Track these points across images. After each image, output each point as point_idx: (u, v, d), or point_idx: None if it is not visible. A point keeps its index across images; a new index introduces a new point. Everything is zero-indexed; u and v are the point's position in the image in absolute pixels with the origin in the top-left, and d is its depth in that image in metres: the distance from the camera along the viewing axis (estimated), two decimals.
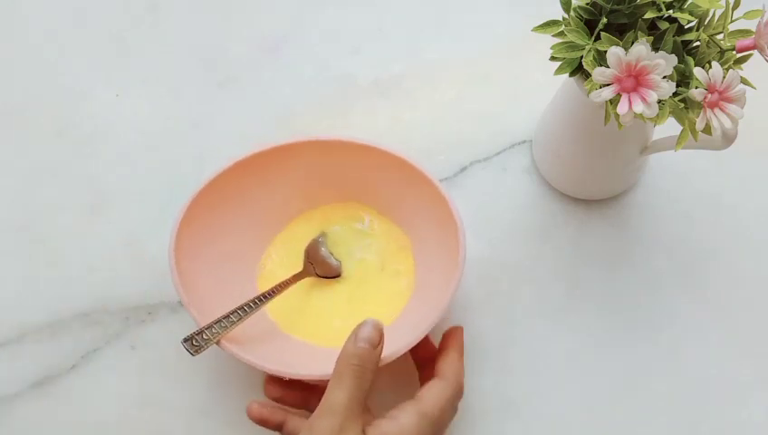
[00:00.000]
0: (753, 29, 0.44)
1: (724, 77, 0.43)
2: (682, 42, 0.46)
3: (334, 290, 0.56)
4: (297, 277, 0.55)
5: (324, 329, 0.55)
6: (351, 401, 0.44)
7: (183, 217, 0.52)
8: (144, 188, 0.61)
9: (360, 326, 0.47)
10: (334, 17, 0.67)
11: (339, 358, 0.46)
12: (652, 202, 0.61)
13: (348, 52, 0.66)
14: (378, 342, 0.47)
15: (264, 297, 0.52)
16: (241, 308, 0.51)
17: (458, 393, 0.50)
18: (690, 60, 0.45)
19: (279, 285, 0.54)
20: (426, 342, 0.53)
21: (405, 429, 0.45)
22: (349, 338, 0.47)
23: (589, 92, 0.44)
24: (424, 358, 0.53)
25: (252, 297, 0.52)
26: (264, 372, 0.49)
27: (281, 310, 0.55)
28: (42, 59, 0.65)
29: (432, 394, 0.48)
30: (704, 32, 0.46)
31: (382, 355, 0.49)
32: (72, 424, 0.54)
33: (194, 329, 0.49)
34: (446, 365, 0.50)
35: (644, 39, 0.43)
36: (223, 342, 0.50)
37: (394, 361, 0.50)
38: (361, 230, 0.58)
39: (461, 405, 0.54)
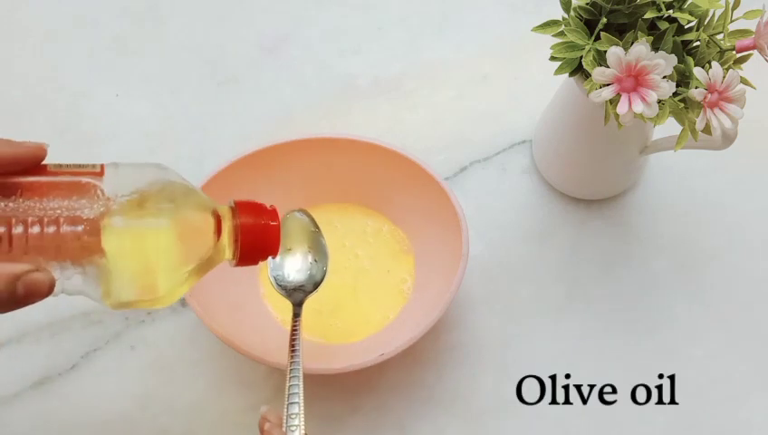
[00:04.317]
0: (753, 29, 0.44)
1: (724, 77, 0.43)
2: (682, 42, 0.46)
3: (336, 289, 0.56)
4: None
5: (325, 328, 0.55)
6: None
7: None
8: None
9: None
10: (334, 17, 0.67)
11: None
12: (652, 202, 0.61)
13: (348, 52, 0.66)
14: None
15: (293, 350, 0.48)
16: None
17: None
18: (690, 60, 0.45)
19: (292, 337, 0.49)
20: None
21: None
22: None
23: (589, 92, 0.44)
24: None
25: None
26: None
27: (284, 307, 0.55)
28: (42, 59, 0.65)
29: None
30: (704, 32, 0.46)
31: (384, 352, 0.49)
32: (72, 424, 0.54)
33: (195, 327, 0.49)
34: None
35: (644, 39, 0.43)
36: (225, 336, 0.50)
37: (394, 359, 0.50)
38: (363, 229, 0.58)
39: (461, 404, 0.54)
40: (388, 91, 0.64)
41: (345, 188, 0.58)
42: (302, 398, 0.45)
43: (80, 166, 0.37)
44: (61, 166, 0.37)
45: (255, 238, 0.41)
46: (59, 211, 0.35)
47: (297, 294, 0.50)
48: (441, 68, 0.65)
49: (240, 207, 0.42)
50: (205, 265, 0.40)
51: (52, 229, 0.35)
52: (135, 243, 0.37)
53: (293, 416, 0.44)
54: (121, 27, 0.67)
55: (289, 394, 0.45)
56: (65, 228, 0.35)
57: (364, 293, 0.57)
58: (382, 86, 0.64)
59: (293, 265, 0.51)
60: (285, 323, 0.55)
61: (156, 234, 0.37)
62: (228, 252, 0.41)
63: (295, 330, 0.48)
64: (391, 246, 0.58)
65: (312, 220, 0.52)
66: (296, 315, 0.49)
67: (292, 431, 0.44)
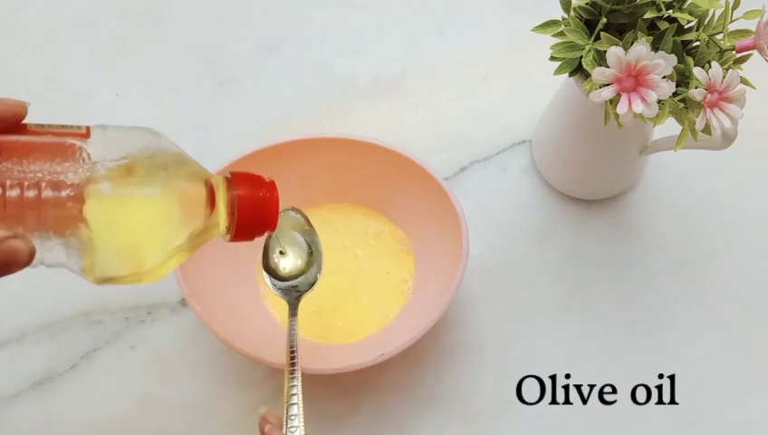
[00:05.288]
0: (753, 29, 0.44)
1: (723, 77, 0.43)
2: (682, 42, 0.46)
3: (335, 289, 0.56)
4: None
5: (325, 328, 0.55)
6: None
7: None
8: None
9: None
10: (334, 17, 0.67)
11: None
12: (652, 202, 0.61)
13: (348, 52, 0.66)
14: None
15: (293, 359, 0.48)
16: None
17: None
18: (690, 60, 0.45)
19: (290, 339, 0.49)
20: None
21: None
22: None
23: (589, 92, 0.44)
24: None
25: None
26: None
27: (283, 307, 0.55)
28: (42, 59, 0.65)
29: None
30: (704, 32, 0.46)
31: (384, 352, 0.49)
32: (72, 424, 0.54)
33: (195, 327, 0.49)
34: None
35: (644, 39, 0.43)
36: (225, 336, 0.50)
37: (394, 359, 0.50)
38: (364, 230, 0.58)
39: (461, 404, 0.54)
40: (388, 91, 0.64)
41: (345, 188, 0.58)
42: (301, 398, 0.45)
43: (64, 126, 0.35)
44: (43, 126, 0.34)
45: (253, 211, 0.39)
46: (40, 175, 0.32)
47: (292, 294, 0.50)
48: (441, 68, 0.65)
49: (237, 178, 0.39)
50: (196, 240, 0.37)
51: (32, 194, 0.32)
52: (122, 212, 0.34)
53: (293, 417, 0.44)
54: (121, 27, 0.67)
55: (289, 395, 0.45)
56: (47, 194, 0.32)
57: (364, 293, 0.57)
58: (382, 86, 0.64)
59: (288, 264, 0.51)
60: (285, 323, 0.55)
61: (145, 203, 0.35)
62: (223, 226, 0.38)
63: (292, 330, 0.48)
64: (391, 246, 0.58)
65: (306, 219, 0.52)
66: (293, 315, 0.49)
67: (293, 432, 0.44)
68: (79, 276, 0.35)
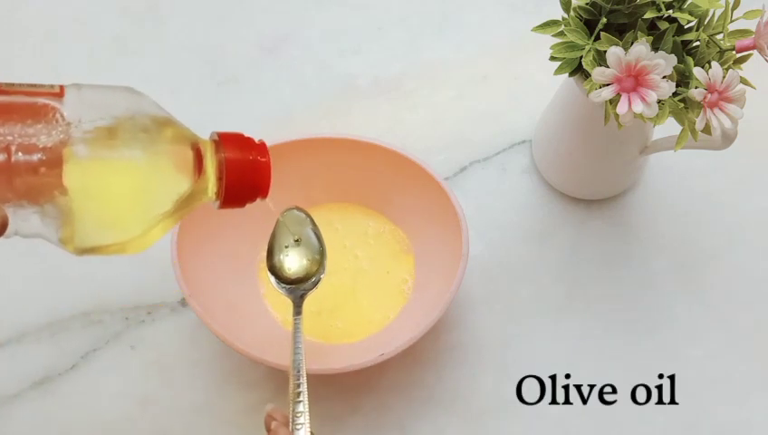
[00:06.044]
0: (753, 29, 0.44)
1: (723, 77, 0.43)
2: (682, 42, 0.46)
3: (336, 289, 0.56)
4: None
5: (325, 328, 0.55)
6: None
7: None
8: None
9: None
10: (334, 17, 0.67)
11: None
12: (652, 202, 0.61)
13: (348, 52, 0.66)
14: None
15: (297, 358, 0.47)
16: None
17: None
18: (690, 60, 0.45)
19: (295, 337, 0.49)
20: None
21: None
22: None
23: (588, 92, 0.44)
24: None
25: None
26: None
27: (284, 307, 0.55)
28: (42, 59, 0.65)
29: None
30: (704, 32, 0.46)
31: (384, 352, 0.49)
32: (72, 424, 0.54)
33: (195, 327, 0.49)
34: None
35: (644, 39, 0.43)
36: (225, 336, 0.50)
37: (394, 359, 0.50)
38: (364, 230, 0.58)
39: (461, 404, 0.54)
40: (388, 91, 0.64)
41: (345, 188, 0.58)
42: (306, 396, 0.45)
43: (34, 85, 0.32)
44: (12, 85, 0.32)
45: (243, 175, 0.37)
46: (10, 138, 0.30)
47: (297, 292, 0.51)
48: (441, 68, 0.65)
49: (225, 140, 0.37)
50: (182, 207, 0.35)
51: (1, 158, 0.30)
52: (101, 178, 0.32)
53: (299, 414, 0.44)
54: (121, 27, 0.67)
55: (295, 392, 0.45)
56: (18, 158, 0.30)
57: (364, 293, 0.57)
58: (382, 86, 0.64)
59: (293, 264, 0.51)
60: (285, 323, 0.55)
61: (126, 167, 0.33)
62: (211, 191, 0.36)
63: (298, 328, 0.48)
64: (391, 246, 0.58)
65: (310, 218, 0.52)
66: (297, 313, 0.49)
67: (298, 429, 0.43)
68: (57, 247, 0.33)
